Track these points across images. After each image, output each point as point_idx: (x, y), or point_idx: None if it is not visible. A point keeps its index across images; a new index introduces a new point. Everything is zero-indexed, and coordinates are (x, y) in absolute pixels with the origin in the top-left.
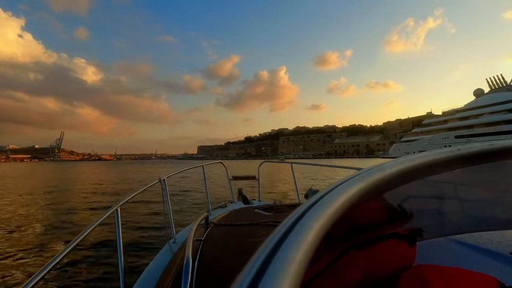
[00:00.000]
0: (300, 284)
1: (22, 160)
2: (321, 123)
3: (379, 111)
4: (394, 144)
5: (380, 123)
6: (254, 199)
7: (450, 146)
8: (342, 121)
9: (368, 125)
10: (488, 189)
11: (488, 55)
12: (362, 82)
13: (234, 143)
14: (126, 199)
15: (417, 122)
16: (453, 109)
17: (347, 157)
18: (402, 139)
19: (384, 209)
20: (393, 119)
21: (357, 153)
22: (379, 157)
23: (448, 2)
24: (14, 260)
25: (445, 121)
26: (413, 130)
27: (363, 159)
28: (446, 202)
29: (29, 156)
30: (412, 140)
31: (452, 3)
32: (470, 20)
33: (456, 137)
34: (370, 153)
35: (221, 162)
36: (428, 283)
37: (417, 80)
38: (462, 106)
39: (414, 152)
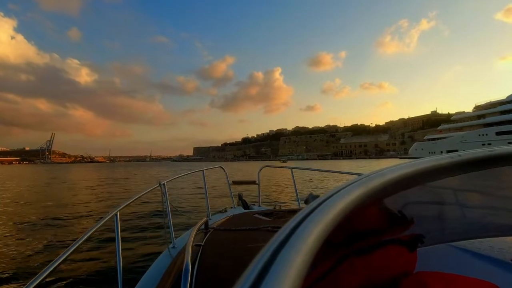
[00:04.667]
0: None
1: (10, 162)
2: (317, 124)
3: (373, 111)
4: (415, 143)
5: (377, 123)
6: (254, 204)
7: (490, 144)
8: (338, 121)
9: (369, 125)
10: (489, 195)
11: (480, 56)
12: (357, 83)
13: (231, 144)
14: (126, 203)
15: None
16: (489, 102)
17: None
18: (426, 137)
19: (384, 215)
20: (388, 119)
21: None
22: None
23: (442, 4)
24: None
25: (481, 116)
26: (439, 127)
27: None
28: (447, 208)
29: (18, 158)
30: (437, 139)
31: (445, 6)
32: (463, 22)
33: (498, 133)
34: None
35: (221, 167)
36: None
37: (410, 81)
38: (504, 97)
39: (441, 152)
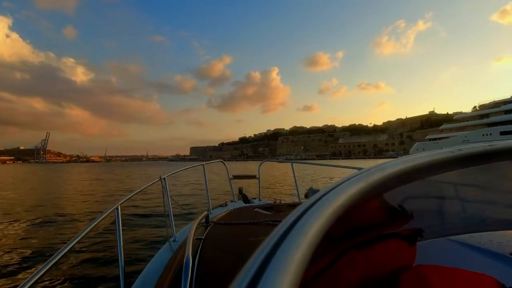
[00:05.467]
0: (300, 283)
1: (4, 162)
2: (315, 124)
3: (371, 111)
4: (416, 143)
5: (374, 123)
6: (255, 198)
7: None
8: (335, 121)
9: (367, 125)
10: (489, 190)
11: (477, 57)
12: (354, 83)
13: (228, 144)
14: (127, 198)
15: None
16: (493, 101)
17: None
18: (427, 137)
19: (384, 209)
20: (386, 119)
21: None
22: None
23: (439, 5)
24: None
25: (484, 116)
26: (440, 127)
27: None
28: (446, 202)
29: (12, 158)
30: (439, 138)
31: (442, 7)
32: (459, 23)
33: (502, 133)
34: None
35: (221, 161)
36: (428, 283)
37: (407, 81)
38: (509, 97)
39: None
